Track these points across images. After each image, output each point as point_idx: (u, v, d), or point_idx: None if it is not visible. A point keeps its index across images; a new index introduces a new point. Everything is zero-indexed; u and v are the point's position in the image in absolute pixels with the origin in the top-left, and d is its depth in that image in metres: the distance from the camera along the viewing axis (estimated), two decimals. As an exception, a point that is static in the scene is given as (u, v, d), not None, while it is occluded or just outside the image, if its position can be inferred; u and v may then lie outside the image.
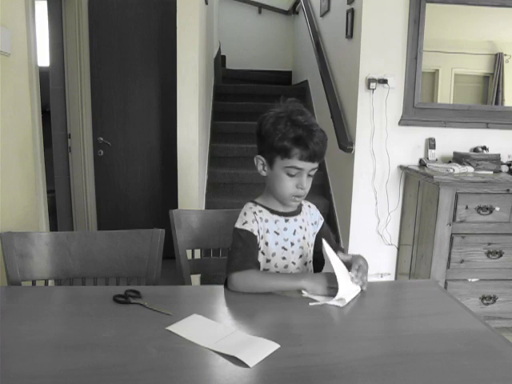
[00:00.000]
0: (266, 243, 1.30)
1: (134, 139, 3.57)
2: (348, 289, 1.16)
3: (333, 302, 1.13)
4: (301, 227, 1.35)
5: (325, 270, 1.22)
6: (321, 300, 1.15)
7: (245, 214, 1.31)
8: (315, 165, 1.25)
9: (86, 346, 0.90)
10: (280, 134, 1.21)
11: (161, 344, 0.92)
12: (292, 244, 1.32)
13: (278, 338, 0.92)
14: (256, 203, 1.34)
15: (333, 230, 3.30)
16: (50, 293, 1.29)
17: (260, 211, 1.31)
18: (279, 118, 1.23)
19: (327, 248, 1.19)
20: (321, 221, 1.43)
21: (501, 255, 2.50)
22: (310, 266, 1.38)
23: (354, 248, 2.96)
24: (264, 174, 1.30)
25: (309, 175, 1.27)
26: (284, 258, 1.32)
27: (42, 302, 1.16)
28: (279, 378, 0.83)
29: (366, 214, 2.93)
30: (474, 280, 2.55)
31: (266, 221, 1.30)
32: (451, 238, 2.46)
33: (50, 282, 1.47)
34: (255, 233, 1.28)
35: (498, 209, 2.44)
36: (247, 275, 1.20)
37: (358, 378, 0.84)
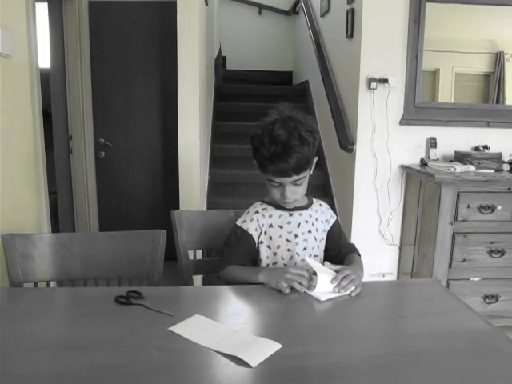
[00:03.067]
0: (270, 237, 1.38)
1: (135, 140, 3.58)
2: (325, 289, 1.18)
3: (312, 294, 1.17)
4: (306, 221, 1.40)
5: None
6: (307, 290, 1.19)
7: (247, 212, 1.42)
8: (295, 177, 1.29)
9: (87, 347, 0.90)
10: (258, 150, 1.28)
11: (163, 344, 0.92)
12: (296, 236, 1.38)
13: (280, 338, 0.92)
14: (263, 202, 1.43)
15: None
16: (51, 294, 1.29)
17: (264, 209, 1.40)
18: (263, 132, 1.28)
19: (309, 261, 1.24)
20: (332, 219, 1.49)
21: (503, 254, 2.49)
22: (318, 259, 1.43)
23: (355, 248, 2.96)
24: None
25: (295, 184, 1.31)
26: (289, 250, 1.38)
27: (43, 303, 1.16)
28: (281, 378, 0.83)
29: (368, 214, 2.93)
30: (476, 279, 2.54)
31: (270, 216, 1.39)
32: (453, 237, 2.46)
33: (52, 284, 1.47)
34: (250, 231, 1.38)
35: (499, 207, 2.43)
36: (227, 272, 1.34)
37: (361, 378, 0.84)
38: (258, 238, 1.39)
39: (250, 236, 1.37)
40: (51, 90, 3.39)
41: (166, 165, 3.58)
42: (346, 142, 2.89)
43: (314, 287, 1.18)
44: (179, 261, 1.59)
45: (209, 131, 3.78)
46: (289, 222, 1.38)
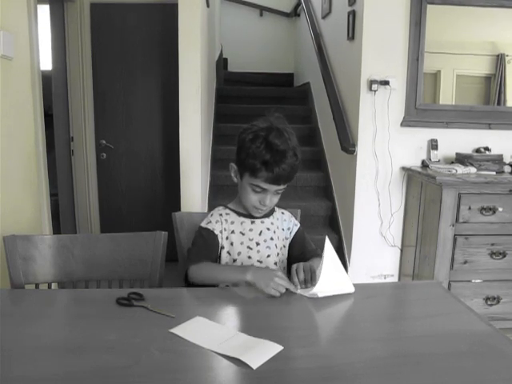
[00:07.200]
0: (232, 243, 1.38)
1: (136, 142, 3.58)
2: (326, 288, 1.16)
3: (308, 294, 1.16)
4: (268, 229, 1.42)
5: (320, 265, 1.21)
6: (300, 291, 1.18)
7: (211, 215, 1.42)
8: (281, 186, 1.32)
9: (89, 349, 0.90)
10: (252, 153, 1.28)
11: (164, 346, 0.92)
12: (257, 244, 1.39)
13: (281, 340, 0.92)
14: (226, 207, 1.44)
15: (336, 232, 3.30)
16: (53, 296, 1.29)
17: (227, 214, 1.42)
18: (257, 136, 1.29)
19: (327, 245, 1.20)
20: (295, 227, 1.51)
21: (504, 256, 2.49)
22: (282, 266, 1.44)
23: (357, 249, 2.96)
24: (235, 180, 1.41)
25: (276, 193, 1.35)
26: (250, 257, 1.38)
27: (45, 304, 1.16)
28: (283, 380, 0.83)
29: (369, 216, 2.93)
30: (477, 281, 2.54)
31: (232, 222, 1.40)
32: (454, 239, 2.46)
33: (54, 285, 1.47)
34: (216, 232, 1.37)
35: (500, 209, 2.43)
36: (200, 267, 1.28)
37: (362, 380, 0.84)
38: (221, 241, 1.39)
39: (216, 236, 1.37)
40: (53, 91, 3.39)
41: (167, 166, 3.59)
42: (347, 144, 2.89)
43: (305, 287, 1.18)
44: (180, 262, 1.59)
45: (210, 133, 3.79)
46: (250, 230, 1.40)
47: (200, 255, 1.33)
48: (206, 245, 1.36)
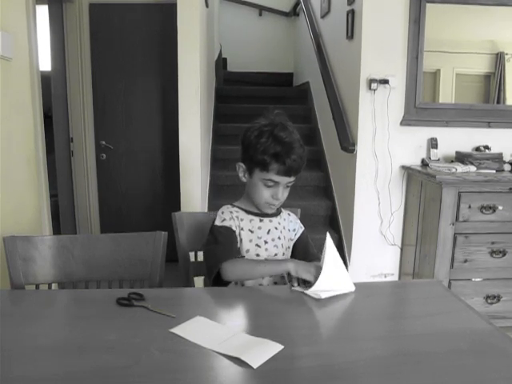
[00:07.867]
0: (241, 240, 1.39)
1: (136, 142, 3.58)
2: (327, 285, 1.17)
3: (309, 292, 1.17)
4: (276, 228, 1.44)
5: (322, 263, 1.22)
6: (301, 289, 1.19)
7: (222, 212, 1.41)
8: (292, 178, 1.35)
9: (89, 349, 0.90)
10: (261, 148, 1.30)
11: (164, 346, 0.92)
12: (266, 242, 1.40)
13: (281, 339, 0.92)
14: (233, 205, 1.44)
15: (336, 231, 3.30)
16: (53, 296, 1.29)
17: (236, 211, 1.42)
18: (263, 132, 1.32)
19: (328, 242, 1.22)
20: (300, 229, 1.52)
21: (504, 254, 2.49)
22: None
23: (357, 248, 2.96)
24: (244, 180, 1.40)
25: (286, 186, 1.37)
26: (258, 255, 1.39)
27: (45, 305, 1.16)
28: (283, 379, 0.83)
29: (369, 215, 2.93)
30: (477, 279, 2.54)
31: (241, 220, 1.40)
32: (454, 238, 2.46)
33: (54, 286, 1.47)
34: (234, 228, 1.37)
35: (500, 208, 2.43)
36: (235, 264, 1.28)
37: (363, 379, 0.84)
38: (238, 237, 1.39)
39: (234, 232, 1.37)
40: (52, 92, 3.40)
41: (166, 166, 3.59)
42: (347, 143, 2.89)
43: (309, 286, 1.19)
44: (180, 262, 1.59)
45: (210, 133, 3.78)
46: (259, 228, 1.41)
47: (229, 252, 1.31)
48: (230, 241, 1.35)
